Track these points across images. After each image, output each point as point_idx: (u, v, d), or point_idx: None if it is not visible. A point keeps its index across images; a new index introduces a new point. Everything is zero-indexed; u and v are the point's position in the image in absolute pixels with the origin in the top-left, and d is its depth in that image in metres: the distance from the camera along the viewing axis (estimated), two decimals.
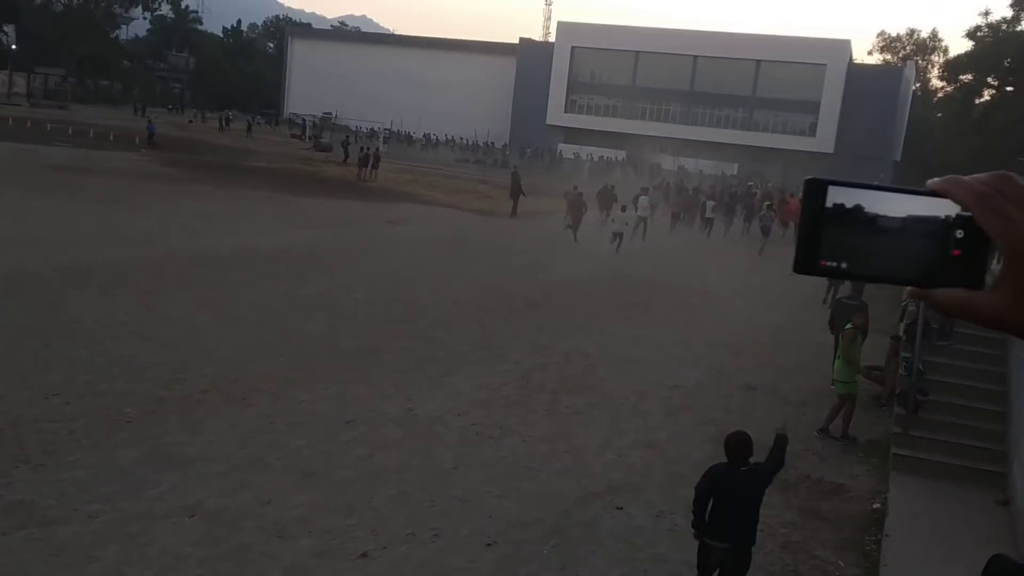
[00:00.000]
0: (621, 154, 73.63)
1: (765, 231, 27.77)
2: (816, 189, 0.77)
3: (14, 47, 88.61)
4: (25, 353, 9.91)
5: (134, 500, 6.72)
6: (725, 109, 76.98)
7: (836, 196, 0.77)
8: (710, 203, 32.42)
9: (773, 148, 71.98)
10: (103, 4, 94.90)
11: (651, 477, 8.44)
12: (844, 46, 73.13)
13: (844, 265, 0.78)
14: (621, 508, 7.65)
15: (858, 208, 0.77)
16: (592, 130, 79.48)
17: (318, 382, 10.10)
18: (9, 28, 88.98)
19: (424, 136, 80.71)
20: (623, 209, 25.24)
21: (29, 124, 47.63)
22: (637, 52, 79.47)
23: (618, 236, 23.86)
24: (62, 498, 6.59)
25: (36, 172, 27.89)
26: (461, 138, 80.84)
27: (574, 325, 14.65)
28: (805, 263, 0.78)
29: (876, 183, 0.78)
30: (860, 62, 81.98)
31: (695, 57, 76.97)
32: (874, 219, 0.77)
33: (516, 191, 30.57)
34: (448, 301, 15.49)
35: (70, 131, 45.63)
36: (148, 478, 7.12)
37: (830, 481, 9.01)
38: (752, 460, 5.93)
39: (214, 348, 10.96)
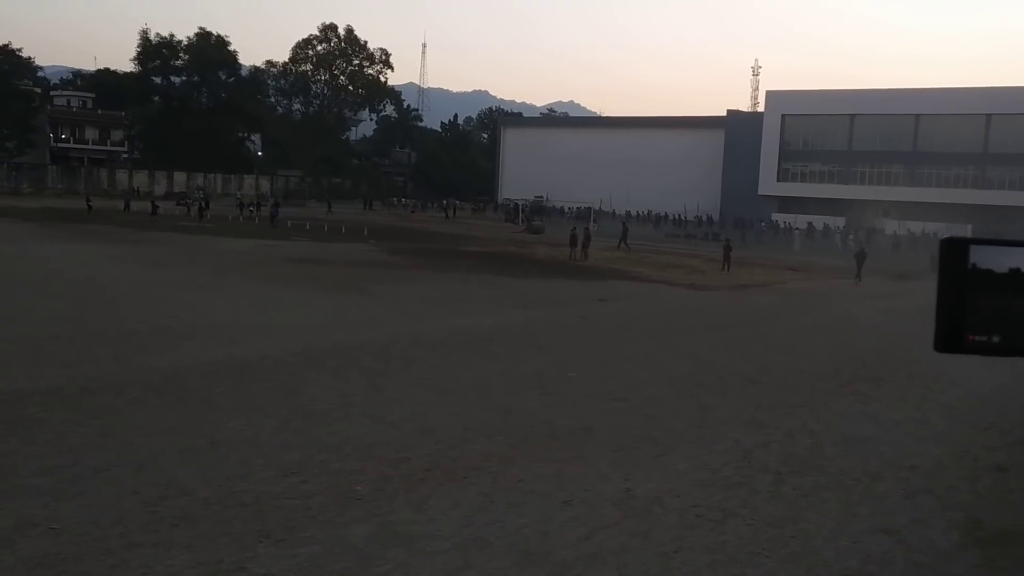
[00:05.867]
0: (839, 221, 70.57)
1: None
2: (954, 251, 0.65)
3: (259, 154, 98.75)
4: (267, 433, 10.67)
5: None
6: (954, 168, 72.28)
7: (980, 257, 0.65)
8: None
9: (1011, 206, 66.50)
10: (335, 110, 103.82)
11: (891, 567, 7.77)
12: None
13: (996, 339, 0.65)
14: None
15: (1015, 272, 0.64)
16: (807, 198, 76.93)
17: (535, 461, 10.17)
18: (255, 137, 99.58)
19: (635, 213, 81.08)
20: None
21: (272, 221, 52.41)
22: (852, 115, 76.67)
23: None
24: (299, 573, 6.96)
25: (278, 265, 30.56)
26: (670, 214, 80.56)
27: (797, 401, 13.96)
28: (949, 340, 0.66)
29: None
30: None
31: (917, 116, 73.10)
32: None
33: (861, 259, 33.50)
34: (663, 377, 15.25)
35: (307, 226, 49.84)
36: (376, 555, 7.38)
37: None
38: None
39: (436, 427, 11.34)
